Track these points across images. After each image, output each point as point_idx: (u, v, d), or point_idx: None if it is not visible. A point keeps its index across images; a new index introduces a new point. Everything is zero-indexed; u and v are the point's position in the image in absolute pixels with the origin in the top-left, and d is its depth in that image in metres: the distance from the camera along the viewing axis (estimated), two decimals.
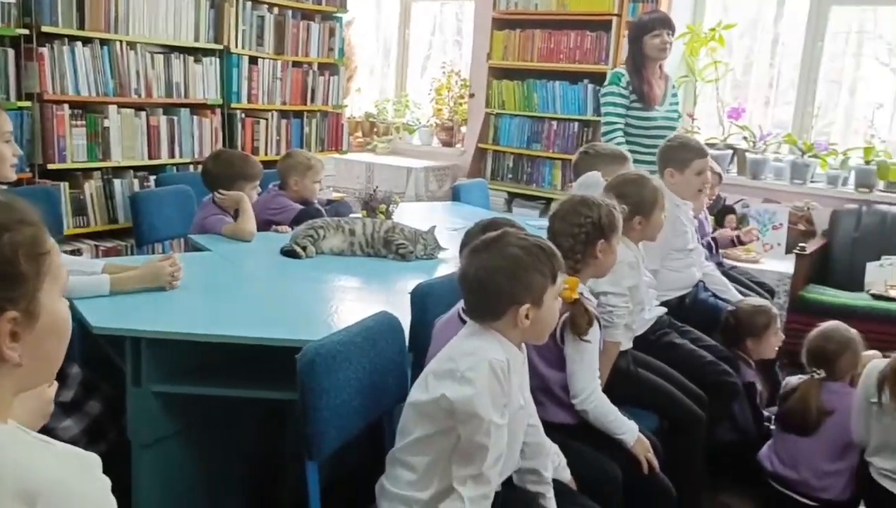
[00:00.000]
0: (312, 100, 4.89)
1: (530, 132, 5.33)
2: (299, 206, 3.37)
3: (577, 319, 1.97)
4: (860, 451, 2.60)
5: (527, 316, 1.59)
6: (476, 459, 1.52)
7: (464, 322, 1.82)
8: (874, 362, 2.57)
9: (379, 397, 1.87)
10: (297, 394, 1.66)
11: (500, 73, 5.43)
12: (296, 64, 4.75)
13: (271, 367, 2.01)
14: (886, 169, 4.41)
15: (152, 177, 3.94)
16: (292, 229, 3.11)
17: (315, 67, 4.91)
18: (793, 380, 2.83)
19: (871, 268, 4.10)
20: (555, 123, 5.23)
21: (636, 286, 2.39)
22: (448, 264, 2.93)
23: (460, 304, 1.95)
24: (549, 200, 5.24)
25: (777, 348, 3.05)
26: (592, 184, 2.61)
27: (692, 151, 3.09)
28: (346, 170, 5.59)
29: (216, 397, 2.07)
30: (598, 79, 5.00)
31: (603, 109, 3.91)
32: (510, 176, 5.47)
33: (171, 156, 4.04)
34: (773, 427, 2.82)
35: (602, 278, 2.20)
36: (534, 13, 5.23)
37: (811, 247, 4.16)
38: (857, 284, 4.11)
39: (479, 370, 1.52)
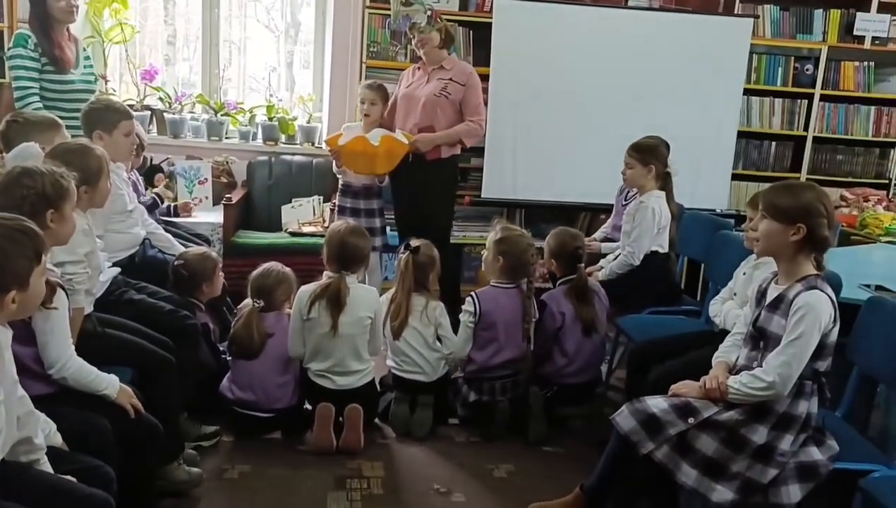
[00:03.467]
0: None
1: None
2: None
3: None
4: (299, 363, 3.17)
5: (13, 301, 1.59)
6: None
7: None
8: (304, 287, 3.15)
9: None
10: None
11: None
12: None
13: None
14: (286, 124, 5.12)
15: None
16: None
17: None
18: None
19: (286, 210, 4.77)
20: None
21: (92, 251, 2.45)
22: None
23: None
24: None
25: (221, 286, 3.42)
26: (29, 155, 2.52)
27: (118, 113, 3.17)
28: None
29: None
30: None
31: (12, 74, 3.69)
32: None
33: None
34: (229, 359, 3.21)
35: (59, 247, 2.22)
36: None
37: (235, 196, 4.63)
38: (276, 225, 4.74)
39: None
